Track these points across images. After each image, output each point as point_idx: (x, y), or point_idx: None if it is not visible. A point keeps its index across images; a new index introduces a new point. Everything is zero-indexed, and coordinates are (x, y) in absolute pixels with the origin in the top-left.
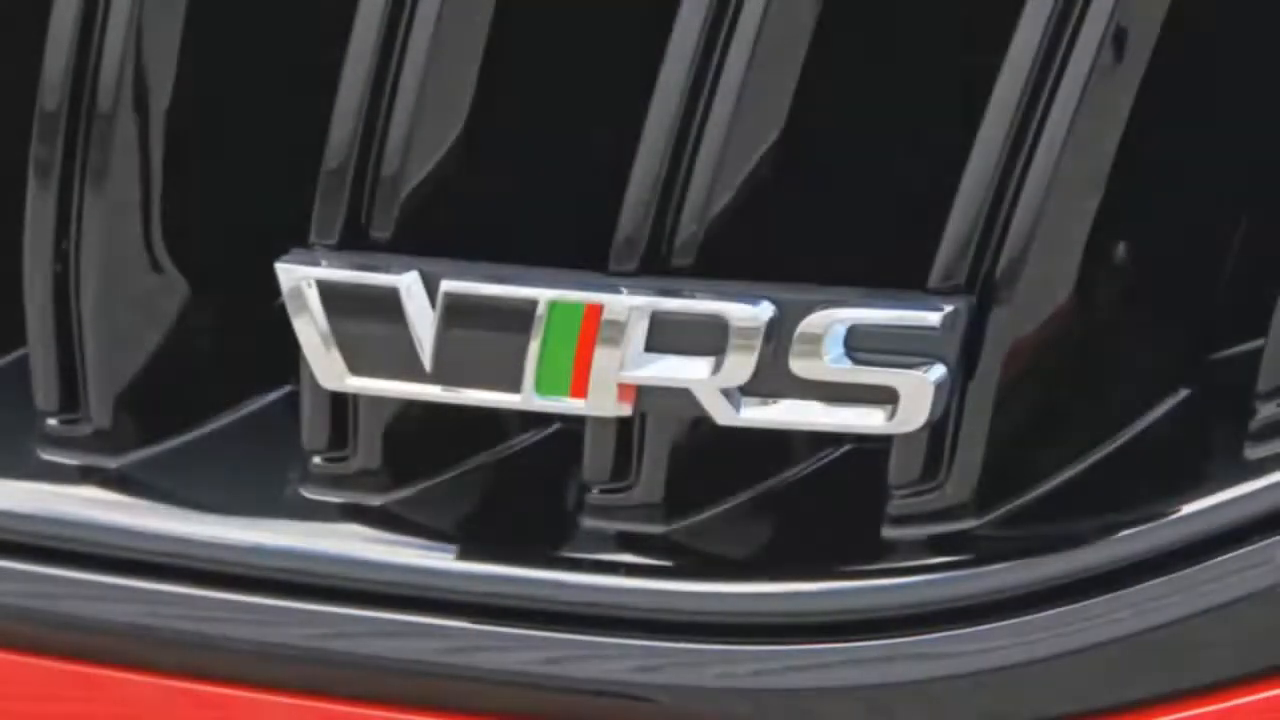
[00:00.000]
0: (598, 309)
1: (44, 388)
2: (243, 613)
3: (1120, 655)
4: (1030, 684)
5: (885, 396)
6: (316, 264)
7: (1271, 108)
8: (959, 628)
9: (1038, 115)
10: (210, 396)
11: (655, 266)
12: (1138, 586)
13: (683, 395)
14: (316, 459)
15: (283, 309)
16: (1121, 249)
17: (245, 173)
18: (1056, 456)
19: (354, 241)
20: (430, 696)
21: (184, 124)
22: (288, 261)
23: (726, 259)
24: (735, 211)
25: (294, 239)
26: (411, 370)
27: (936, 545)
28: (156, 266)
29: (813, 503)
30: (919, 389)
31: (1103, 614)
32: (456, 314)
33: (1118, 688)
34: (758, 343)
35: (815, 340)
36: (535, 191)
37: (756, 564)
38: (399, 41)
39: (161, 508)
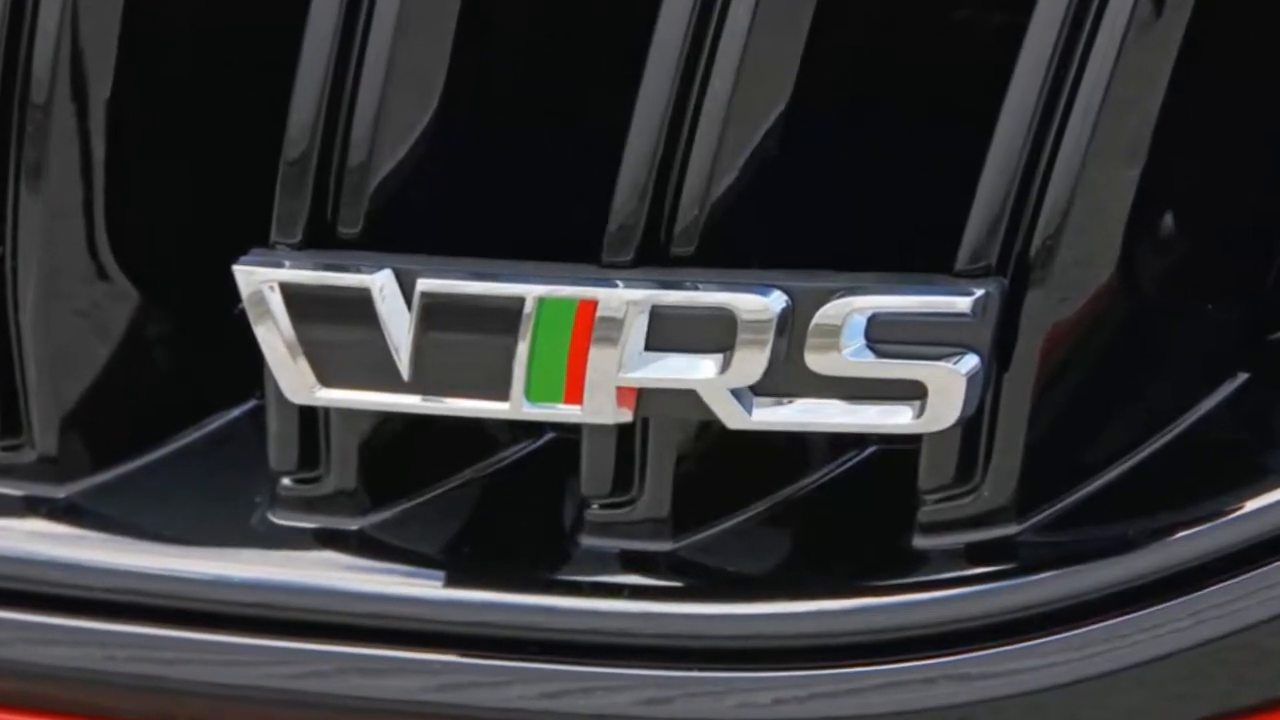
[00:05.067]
0: (591, 305)
1: None
2: (208, 653)
3: (1182, 669)
4: (1084, 704)
5: (912, 392)
6: (279, 265)
7: None
8: (1002, 645)
9: (1070, 78)
10: (166, 416)
11: (653, 257)
12: (1199, 593)
13: (688, 397)
14: (286, 480)
15: (244, 316)
16: (1168, 222)
17: (198, 167)
18: (1103, 453)
19: (320, 239)
20: None
21: (128, 115)
22: (247, 263)
23: (732, 246)
24: (740, 193)
25: (253, 238)
26: (387, 379)
27: (974, 554)
28: (102, 273)
29: (835, 512)
30: (949, 382)
31: (1161, 625)
32: (435, 316)
33: (1181, 704)
34: (769, 337)
35: (833, 332)
36: (518, 178)
37: (775, 581)
38: (362, 15)
39: (115, 540)
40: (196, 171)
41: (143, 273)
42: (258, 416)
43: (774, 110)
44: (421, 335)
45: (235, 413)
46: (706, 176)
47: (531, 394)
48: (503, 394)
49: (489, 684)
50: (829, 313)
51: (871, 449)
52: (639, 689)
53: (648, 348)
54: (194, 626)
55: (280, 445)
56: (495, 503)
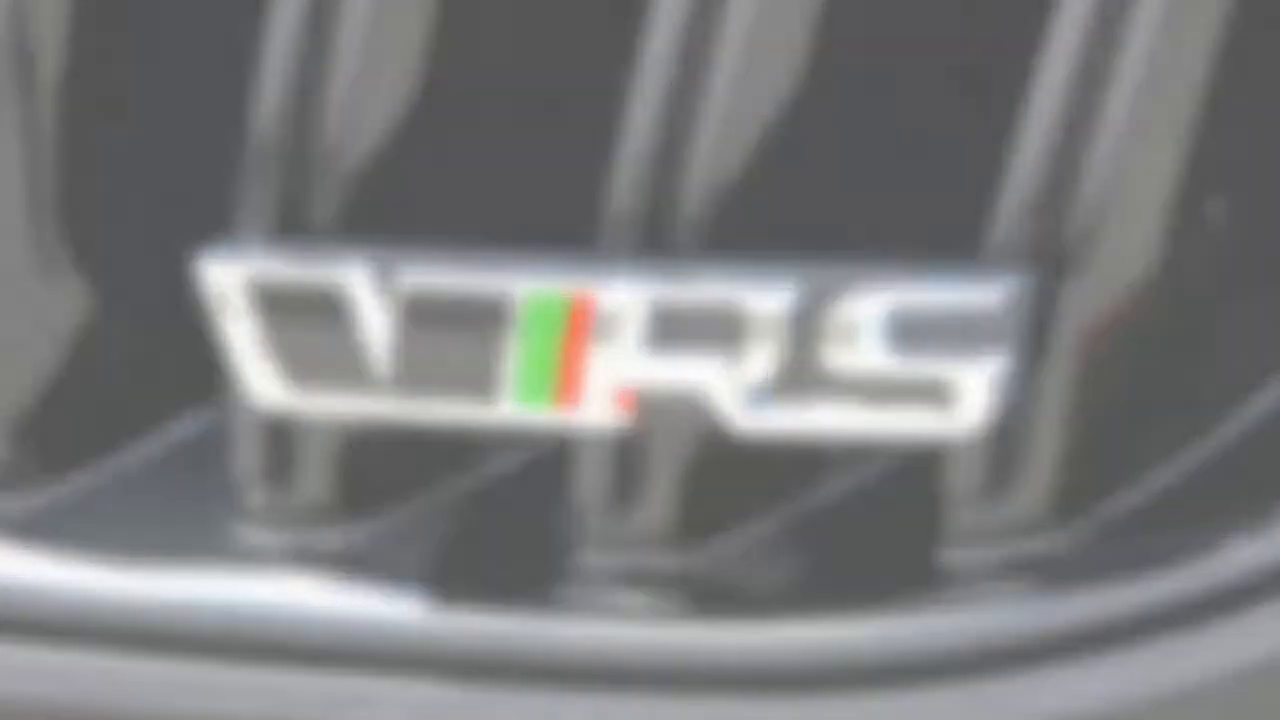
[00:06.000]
0: (587, 301)
1: None
2: (173, 683)
3: (1243, 692)
4: None
5: (938, 393)
6: (246, 258)
7: None
8: (1042, 668)
9: (1113, 41)
10: (124, 423)
11: (655, 247)
12: (1260, 607)
13: (693, 400)
14: (255, 493)
15: (208, 313)
16: (1219, 205)
17: (156, 152)
18: (1149, 455)
19: (290, 229)
20: None
21: (79, 97)
22: (211, 257)
23: (740, 234)
24: (750, 175)
25: (219, 229)
26: (365, 382)
27: (1009, 568)
28: (52, 269)
29: (856, 524)
30: (979, 382)
31: (1218, 643)
32: (417, 312)
33: None
34: (782, 334)
35: (851, 328)
36: (507, 160)
37: (791, 600)
38: None
39: (69, 559)
40: (156, 157)
41: (96, 268)
42: (224, 422)
43: (787, 81)
44: (402, 333)
45: (199, 418)
46: (714, 157)
47: (523, 397)
48: (491, 397)
49: (481, 713)
50: (847, 307)
51: (893, 455)
52: (644, 718)
53: (649, 346)
54: (158, 653)
55: (248, 454)
56: (484, 516)
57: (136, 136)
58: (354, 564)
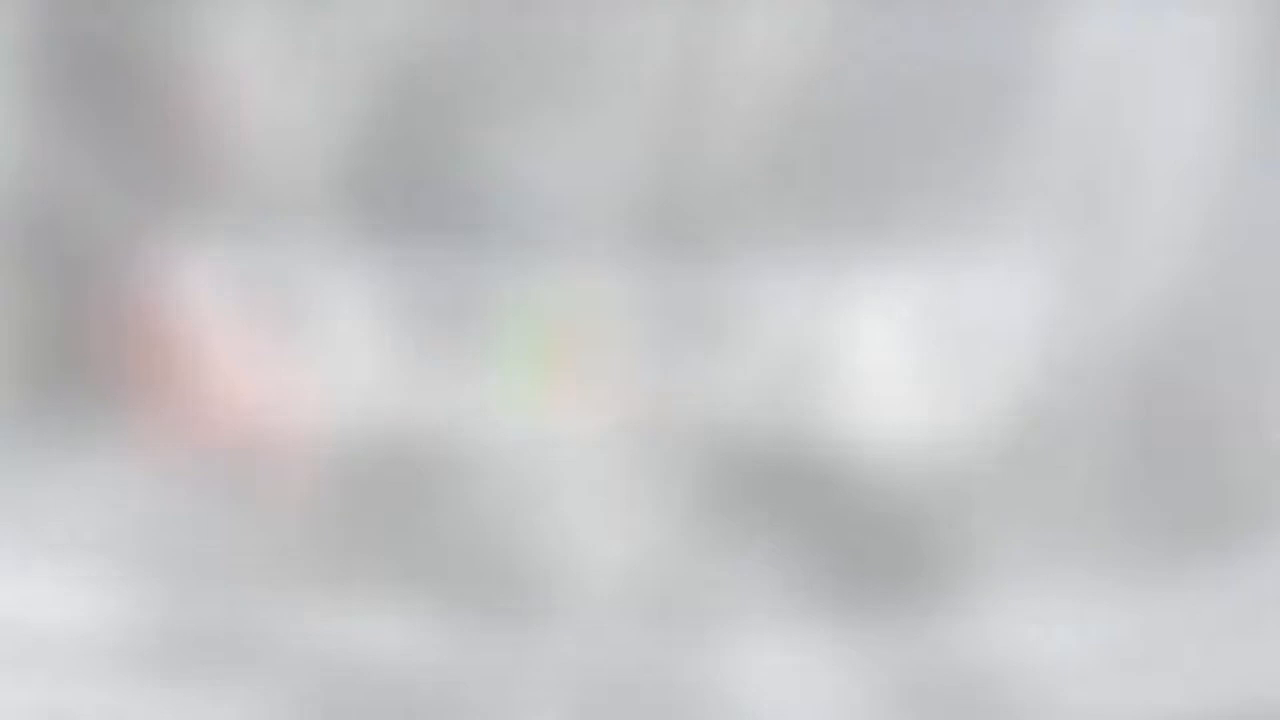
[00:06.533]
0: (584, 297)
1: None
2: (154, 697)
3: None
4: None
5: (960, 389)
6: (205, 249)
7: None
8: (1066, 680)
9: (1143, 29)
10: (69, 425)
11: (657, 240)
12: None
13: (696, 402)
14: (232, 500)
15: (169, 310)
16: (1253, 204)
17: (107, 129)
18: (1181, 456)
19: (254, 218)
20: None
21: (44, 84)
22: (166, 247)
23: (748, 224)
24: (759, 168)
25: (173, 217)
26: (339, 385)
27: (1040, 574)
28: (14, 263)
29: (874, 529)
30: (1002, 378)
31: (1261, 654)
32: (397, 311)
33: None
34: (791, 330)
35: (865, 325)
36: (494, 143)
37: (805, 611)
38: None
39: (10, 569)
40: (107, 133)
41: (38, 256)
42: (201, 425)
43: (799, 70)
44: (381, 334)
45: (162, 420)
46: (721, 149)
47: (512, 401)
48: (477, 402)
49: None
50: (862, 301)
51: (914, 456)
52: None
53: (649, 346)
54: (130, 666)
55: (216, 459)
56: (473, 528)
57: (87, 108)
58: (335, 573)
